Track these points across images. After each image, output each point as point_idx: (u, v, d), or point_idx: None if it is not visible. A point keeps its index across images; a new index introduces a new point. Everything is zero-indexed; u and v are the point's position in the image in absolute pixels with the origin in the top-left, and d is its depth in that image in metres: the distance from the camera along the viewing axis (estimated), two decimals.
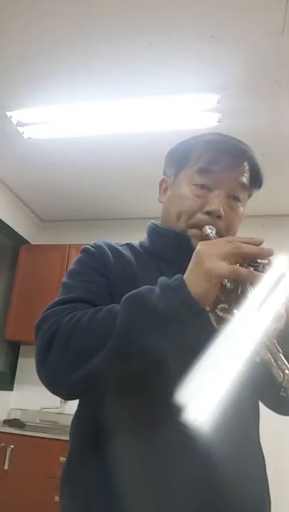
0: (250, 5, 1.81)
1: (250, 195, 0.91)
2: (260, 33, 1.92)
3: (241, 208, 0.87)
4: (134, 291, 0.69)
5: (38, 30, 2.02)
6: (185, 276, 0.67)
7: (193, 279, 0.66)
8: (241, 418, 0.76)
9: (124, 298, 0.69)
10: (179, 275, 0.68)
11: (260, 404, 0.87)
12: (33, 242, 3.97)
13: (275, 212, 3.46)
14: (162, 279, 0.69)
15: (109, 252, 0.86)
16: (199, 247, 0.69)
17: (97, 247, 0.87)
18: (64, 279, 0.84)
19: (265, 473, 0.81)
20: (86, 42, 2.05)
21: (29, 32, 2.03)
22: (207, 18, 1.88)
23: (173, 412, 0.66)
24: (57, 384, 0.71)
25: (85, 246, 0.89)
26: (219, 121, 2.47)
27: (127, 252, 0.88)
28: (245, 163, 0.86)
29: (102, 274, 0.82)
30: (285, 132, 2.55)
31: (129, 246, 0.92)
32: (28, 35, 2.05)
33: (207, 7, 1.83)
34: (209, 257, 0.65)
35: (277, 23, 1.87)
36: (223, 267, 0.64)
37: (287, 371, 0.58)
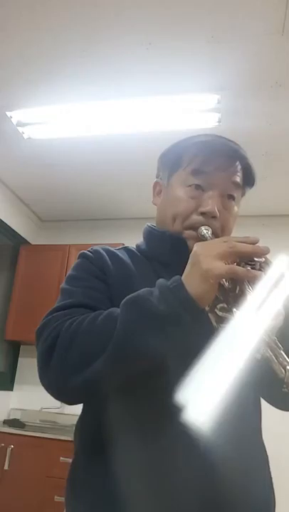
0: (250, 5, 1.81)
1: (243, 194, 0.92)
2: (260, 33, 1.92)
3: (235, 208, 0.88)
4: (133, 294, 0.69)
5: (38, 30, 2.02)
6: (183, 277, 0.68)
7: (192, 280, 0.66)
8: (243, 417, 0.76)
9: (123, 301, 0.69)
10: (177, 276, 0.68)
11: (262, 402, 0.86)
12: (33, 243, 3.97)
13: (275, 212, 3.46)
14: (161, 281, 0.69)
15: (106, 256, 0.86)
16: (196, 248, 0.69)
17: (94, 251, 0.88)
18: (63, 284, 0.84)
19: (269, 472, 0.81)
20: (86, 42, 2.06)
21: (29, 32, 2.03)
22: (207, 18, 1.88)
23: (175, 412, 0.66)
24: (60, 390, 0.71)
25: (82, 251, 0.89)
26: (219, 121, 2.47)
27: (124, 256, 0.88)
28: (238, 163, 0.87)
29: (100, 278, 0.83)
30: (285, 132, 2.55)
31: (126, 249, 0.92)
32: (28, 35, 2.05)
33: (207, 7, 1.83)
34: (206, 258, 0.66)
35: (277, 23, 1.87)
36: (220, 266, 0.64)
37: (288, 367, 0.58)
